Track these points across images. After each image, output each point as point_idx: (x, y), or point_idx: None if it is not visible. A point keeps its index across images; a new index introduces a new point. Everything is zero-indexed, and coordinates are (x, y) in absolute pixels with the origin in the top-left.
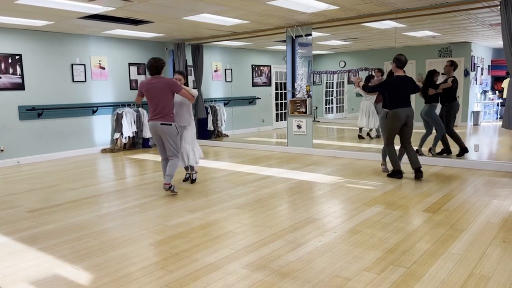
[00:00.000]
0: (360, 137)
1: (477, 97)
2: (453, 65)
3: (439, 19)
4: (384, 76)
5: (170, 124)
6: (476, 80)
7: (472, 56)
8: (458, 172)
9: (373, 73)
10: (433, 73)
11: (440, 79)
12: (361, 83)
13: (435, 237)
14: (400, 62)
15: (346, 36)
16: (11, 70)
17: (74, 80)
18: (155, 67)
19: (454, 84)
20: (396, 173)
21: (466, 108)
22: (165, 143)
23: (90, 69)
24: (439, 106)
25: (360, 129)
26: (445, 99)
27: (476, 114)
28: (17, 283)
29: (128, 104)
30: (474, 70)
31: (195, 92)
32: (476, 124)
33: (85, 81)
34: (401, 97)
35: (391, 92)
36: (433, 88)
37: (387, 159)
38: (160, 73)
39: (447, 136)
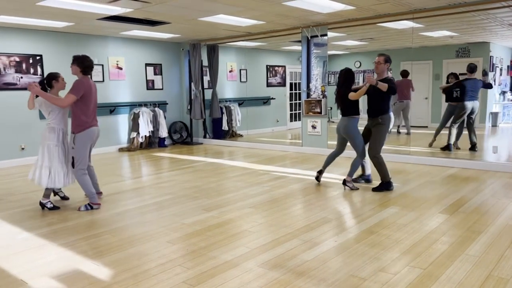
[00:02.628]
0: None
1: (496, 98)
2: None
3: (457, 19)
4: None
5: None
6: (494, 80)
7: (490, 56)
8: (475, 174)
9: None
10: (448, 76)
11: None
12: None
13: (452, 238)
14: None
15: (362, 36)
16: (32, 70)
17: (93, 80)
18: (92, 67)
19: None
20: (389, 184)
21: (484, 109)
22: (91, 149)
23: (108, 70)
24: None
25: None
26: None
27: (494, 115)
28: (39, 278)
29: (145, 104)
30: (493, 71)
31: None
32: (494, 125)
33: (103, 81)
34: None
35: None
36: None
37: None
38: None
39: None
